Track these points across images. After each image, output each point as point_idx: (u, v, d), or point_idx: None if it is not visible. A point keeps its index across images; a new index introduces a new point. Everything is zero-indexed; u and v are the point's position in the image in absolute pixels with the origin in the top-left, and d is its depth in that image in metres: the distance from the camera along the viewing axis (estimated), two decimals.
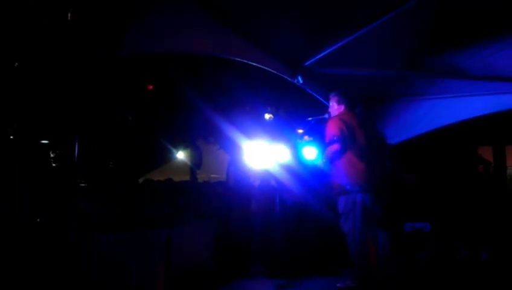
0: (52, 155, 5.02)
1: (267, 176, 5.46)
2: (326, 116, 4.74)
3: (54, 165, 5.00)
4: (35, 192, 3.88)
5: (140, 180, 6.24)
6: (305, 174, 5.27)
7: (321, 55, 4.74)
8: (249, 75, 5.60)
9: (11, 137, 4.19)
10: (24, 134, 4.34)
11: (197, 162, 7.85)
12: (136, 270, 4.10)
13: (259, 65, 4.70)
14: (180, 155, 8.05)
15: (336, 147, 4.36)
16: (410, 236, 6.25)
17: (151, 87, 5.58)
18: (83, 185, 5.37)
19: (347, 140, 4.36)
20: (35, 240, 3.56)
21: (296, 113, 5.63)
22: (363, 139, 4.45)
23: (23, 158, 4.14)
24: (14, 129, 4.28)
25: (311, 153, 4.88)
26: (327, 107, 4.88)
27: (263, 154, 5.09)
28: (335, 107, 4.69)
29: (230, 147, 5.99)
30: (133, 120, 5.61)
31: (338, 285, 4.59)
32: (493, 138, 7.89)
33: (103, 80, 5.06)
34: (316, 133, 4.81)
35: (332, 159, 4.45)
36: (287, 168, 5.25)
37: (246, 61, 4.54)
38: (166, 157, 8.00)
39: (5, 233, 3.46)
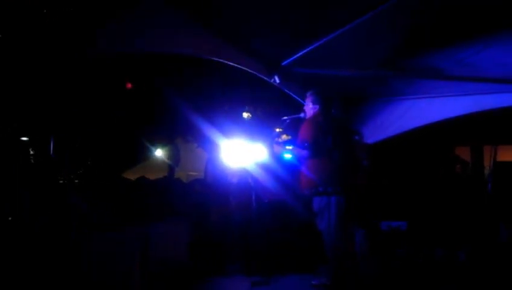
0: (31, 152, 5.01)
1: (245, 174, 5.48)
2: (302, 115, 4.75)
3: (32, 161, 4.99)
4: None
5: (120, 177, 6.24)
6: (281, 173, 5.31)
7: (298, 54, 4.76)
8: (227, 76, 5.62)
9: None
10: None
11: (175, 160, 7.86)
12: (112, 269, 4.09)
13: (236, 65, 4.71)
14: (159, 153, 8.05)
15: (304, 153, 4.40)
16: (386, 235, 6.31)
17: (129, 85, 5.57)
18: (62, 182, 5.34)
19: (319, 144, 4.39)
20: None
21: (273, 113, 5.66)
22: (337, 139, 4.48)
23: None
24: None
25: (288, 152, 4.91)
26: (303, 106, 4.91)
27: (241, 152, 5.11)
28: (310, 106, 4.71)
29: (209, 145, 6.01)
30: (112, 118, 5.60)
31: (313, 282, 4.64)
32: (471, 138, 7.98)
33: (81, 79, 5.04)
34: (292, 132, 4.85)
35: (299, 162, 4.49)
36: (264, 167, 5.28)
37: (223, 60, 4.56)
38: (144, 155, 8.00)
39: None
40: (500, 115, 6.05)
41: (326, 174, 4.37)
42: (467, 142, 8.16)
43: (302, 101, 5.13)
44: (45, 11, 3.80)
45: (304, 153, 4.39)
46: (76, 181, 5.38)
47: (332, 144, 4.40)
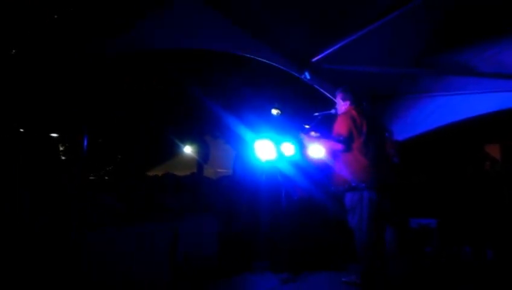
0: (61, 148, 5.06)
1: (273, 170, 5.48)
2: (333, 111, 4.73)
3: (63, 158, 5.05)
4: (36, 190, 3.90)
5: (149, 174, 6.30)
6: (311, 169, 5.29)
7: (328, 51, 4.76)
8: (256, 72, 5.62)
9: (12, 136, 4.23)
10: (27, 131, 4.37)
11: (204, 157, 7.87)
12: (143, 263, 4.14)
13: (267, 61, 4.73)
14: (188, 150, 8.08)
15: (339, 147, 4.35)
16: (416, 233, 6.26)
17: (155, 80, 5.63)
18: (92, 178, 5.41)
19: (354, 139, 4.36)
20: (35, 240, 3.57)
21: (303, 109, 5.65)
22: (369, 136, 4.44)
23: (24, 156, 4.18)
24: (14, 128, 4.31)
25: (319, 149, 4.90)
26: (334, 102, 4.89)
27: (269, 149, 5.11)
28: (341, 104, 4.69)
29: (237, 142, 6.02)
30: (141, 115, 5.66)
31: (343, 279, 4.61)
32: (501, 136, 7.86)
33: (111, 76, 5.10)
34: (323, 129, 4.82)
35: (333, 156, 4.45)
36: (293, 163, 5.27)
37: (254, 57, 4.58)
38: (173, 152, 8.03)
39: (5, 233, 3.47)
40: None
41: (360, 169, 4.33)
42: (497, 139, 8.03)
43: (332, 97, 5.11)
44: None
45: (339, 146, 4.36)
46: (106, 178, 5.44)
47: (367, 139, 4.37)
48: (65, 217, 3.76)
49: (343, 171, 4.41)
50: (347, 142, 4.33)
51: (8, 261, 3.38)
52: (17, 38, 3.97)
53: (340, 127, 4.39)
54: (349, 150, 4.34)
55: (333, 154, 4.47)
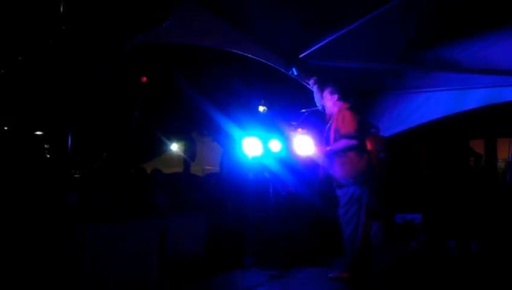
0: (46, 146, 4.99)
1: (261, 167, 5.49)
2: (320, 107, 4.76)
3: (48, 156, 4.98)
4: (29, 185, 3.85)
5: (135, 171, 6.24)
6: (298, 166, 5.31)
7: (315, 47, 4.77)
8: (243, 69, 5.60)
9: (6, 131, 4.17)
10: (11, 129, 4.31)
11: (191, 154, 7.85)
12: (130, 261, 4.11)
13: (255, 57, 4.72)
14: (174, 147, 8.05)
15: (353, 142, 4.41)
16: (401, 227, 6.33)
17: (145, 79, 5.56)
18: (77, 175, 5.34)
19: (362, 135, 4.43)
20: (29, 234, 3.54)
21: (290, 106, 5.65)
22: (364, 132, 4.51)
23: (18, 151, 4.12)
24: (11, 123, 4.26)
25: (305, 145, 4.92)
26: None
27: (257, 146, 5.11)
28: (328, 98, 4.71)
29: (224, 139, 6.00)
30: (128, 112, 5.59)
31: (330, 275, 4.64)
32: (485, 131, 7.96)
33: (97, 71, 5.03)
34: (309, 125, 4.84)
35: (344, 152, 4.48)
36: (280, 160, 5.28)
37: (243, 53, 4.57)
38: (160, 149, 7.99)
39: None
40: None
41: (356, 166, 4.42)
42: (481, 135, 8.13)
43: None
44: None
45: (353, 142, 4.40)
46: (92, 175, 5.38)
47: (364, 136, 4.44)
48: (51, 214, 3.72)
49: (340, 167, 4.45)
50: (358, 137, 4.42)
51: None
52: None
53: (353, 123, 4.45)
54: (358, 146, 4.41)
55: (340, 151, 4.49)
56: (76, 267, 3.60)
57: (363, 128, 4.50)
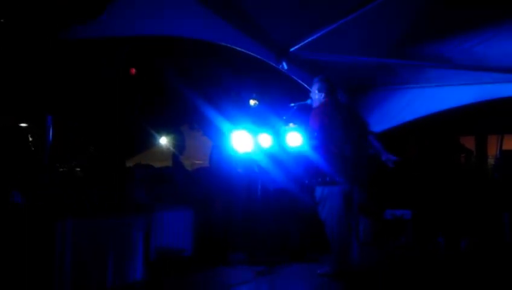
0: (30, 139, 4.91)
1: (250, 162, 5.44)
2: (309, 101, 4.72)
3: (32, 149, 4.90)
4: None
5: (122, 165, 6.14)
6: (287, 161, 5.27)
7: (306, 41, 4.75)
8: (234, 62, 5.53)
9: None
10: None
11: (179, 148, 7.78)
12: (114, 256, 4.05)
13: (245, 51, 4.66)
14: (163, 141, 7.97)
15: (312, 143, 4.41)
16: (390, 223, 6.31)
17: (133, 71, 5.47)
18: (62, 169, 5.26)
19: (327, 133, 4.38)
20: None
21: (280, 100, 5.60)
22: (344, 128, 4.46)
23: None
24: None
25: (295, 139, 4.88)
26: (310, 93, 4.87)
27: (246, 140, 5.06)
28: (316, 93, 4.67)
29: (214, 133, 5.94)
30: (114, 105, 5.50)
31: (318, 272, 4.61)
32: (475, 128, 7.96)
33: (81, 62, 4.93)
34: (299, 119, 4.80)
35: (313, 150, 4.46)
36: (270, 155, 5.23)
37: (233, 46, 4.50)
38: (148, 143, 7.90)
39: None
40: (506, 104, 6.03)
41: (335, 163, 4.37)
42: (472, 131, 8.14)
43: (309, 88, 5.09)
44: None
45: (312, 142, 4.36)
46: (78, 169, 5.29)
47: (345, 137, 4.39)
48: (35, 207, 3.65)
49: (320, 164, 4.43)
50: (319, 138, 4.37)
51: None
52: None
53: (313, 123, 4.44)
54: (324, 145, 4.35)
55: (312, 147, 4.47)
56: (56, 263, 3.51)
57: (339, 125, 4.44)
